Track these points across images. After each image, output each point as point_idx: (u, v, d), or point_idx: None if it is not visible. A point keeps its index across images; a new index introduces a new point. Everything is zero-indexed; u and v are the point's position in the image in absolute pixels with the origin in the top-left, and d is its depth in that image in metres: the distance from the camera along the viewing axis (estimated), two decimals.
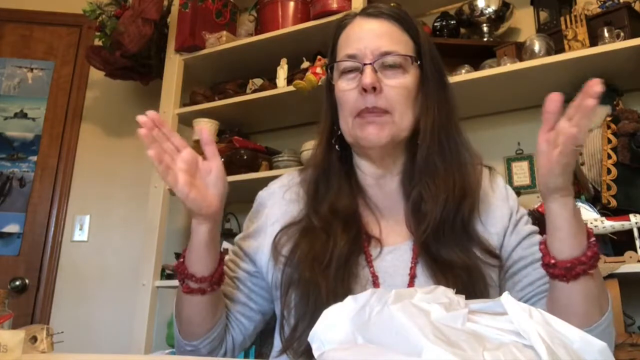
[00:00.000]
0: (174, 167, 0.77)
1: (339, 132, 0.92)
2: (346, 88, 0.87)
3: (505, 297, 0.48)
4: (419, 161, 0.87)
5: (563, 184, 0.71)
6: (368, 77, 0.83)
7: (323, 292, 0.78)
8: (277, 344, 0.87)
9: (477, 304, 0.50)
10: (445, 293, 0.52)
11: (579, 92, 0.66)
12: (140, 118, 0.78)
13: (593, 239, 0.75)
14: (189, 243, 0.84)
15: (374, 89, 0.83)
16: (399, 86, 0.85)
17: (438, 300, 0.50)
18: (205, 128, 0.84)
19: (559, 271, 0.73)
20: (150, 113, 0.78)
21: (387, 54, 0.85)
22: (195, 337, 0.88)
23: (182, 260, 0.85)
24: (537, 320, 0.45)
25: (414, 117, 0.87)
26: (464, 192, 0.84)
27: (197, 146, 2.33)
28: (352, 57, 0.87)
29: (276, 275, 0.88)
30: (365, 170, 0.92)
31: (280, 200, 0.96)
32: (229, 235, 2.03)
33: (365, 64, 0.85)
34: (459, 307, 0.49)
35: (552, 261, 0.73)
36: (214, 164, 0.82)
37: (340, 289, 0.78)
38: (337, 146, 0.92)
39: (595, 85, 0.64)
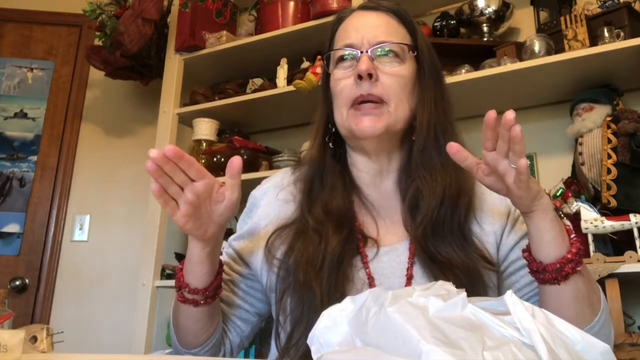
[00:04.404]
0: (179, 198, 0.72)
1: (333, 129, 0.91)
2: (342, 77, 0.87)
3: (509, 295, 0.48)
4: (415, 154, 0.86)
5: (536, 189, 0.71)
6: (364, 63, 0.83)
7: (317, 296, 0.77)
8: (274, 350, 0.86)
9: (479, 302, 0.50)
10: (444, 286, 0.52)
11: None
12: (151, 152, 0.68)
13: (573, 235, 0.75)
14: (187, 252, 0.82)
15: (370, 76, 0.83)
16: (395, 74, 0.85)
17: (436, 293, 0.49)
18: (238, 162, 0.76)
19: (550, 275, 0.72)
20: (168, 148, 0.68)
21: (383, 42, 0.86)
22: (192, 347, 0.87)
23: (181, 266, 0.83)
24: (540, 320, 0.45)
25: (409, 109, 0.87)
26: (460, 188, 0.84)
27: (196, 145, 2.31)
28: (349, 46, 0.87)
29: (271, 278, 0.87)
30: (360, 167, 0.91)
31: (274, 201, 0.95)
32: (228, 235, 2.03)
33: (361, 52, 0.85)
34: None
35: (541, 266, 0.73)
36: (228, 196, 0.74)
37: (334, 292, 0.77)
38: (330, 144, 0.92)
39: (509, 115, 0.65)
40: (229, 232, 2.01)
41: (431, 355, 0.40)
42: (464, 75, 1.72)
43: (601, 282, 1.35)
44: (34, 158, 2.52)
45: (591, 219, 1.40)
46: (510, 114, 0.65)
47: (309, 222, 0.86)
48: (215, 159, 2.03)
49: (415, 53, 0.89)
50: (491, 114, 0.67)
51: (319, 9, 1.93)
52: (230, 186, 0.74)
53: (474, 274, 0.79)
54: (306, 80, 1.81)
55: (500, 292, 0.85)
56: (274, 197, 0.95)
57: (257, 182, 1.04)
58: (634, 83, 1.68)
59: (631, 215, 1.38)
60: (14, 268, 2.39)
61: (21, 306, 2.31)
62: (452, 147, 0.73)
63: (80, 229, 2.47)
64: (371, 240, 0.86)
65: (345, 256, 0.82)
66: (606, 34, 1.54)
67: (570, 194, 1.50)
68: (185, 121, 2.21)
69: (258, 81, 2.12)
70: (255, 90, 2.08)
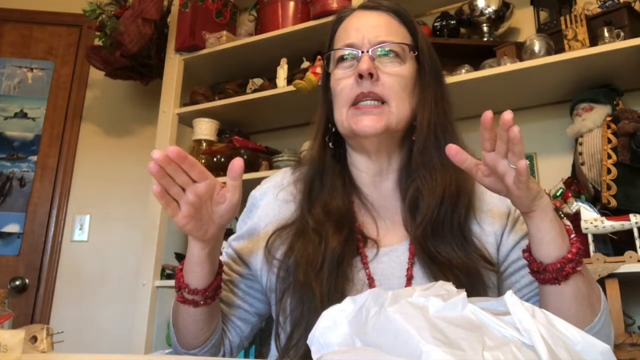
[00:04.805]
0: (180, 199, 0.72)
1: (333, 129, 0.91)
2: (342, 77, 0.87)
3: (509, 295, 0.48)
4: (415, 154, 0.86)
5: (536, 189, 0.71)
6: (364, 63, 0.83)
7: (317, 296, 0.77)
8: (274, 350, 0.86)
9: (479, 302, 0.50)
10: (444, 286, 0.52)
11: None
12: (154, 154, 0.67)
13: (573, 235, 0.75)
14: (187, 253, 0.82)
15: (371, 75, 0.83)
16: (395, 74, 0.85)
17: (436, 293, 0.49)
18: (239, 164, 0.76)
19: (550, 275, 0.72)
20: (171, 149, 0.68)
21: (384, 42, 0.86)
22: (192, 347, 0.87)
23: (180, 267, 0.83)
24: (540, 321, 0.45)
25: (410, 109, 0.87)
26: (460, 188, 0.84)
27: (196, 145, 2.31)
28: (349, 46, 0.87)
29: (271, 278, 0.87)
30: (360, 167, 0.91)
31: (273, 201, 0.95)
32: (228, 235, 2.03)
33: (362, 52, 0.85)
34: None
35: (542, 266, 0.73)
36: (229, 197, 0.74)
37: (334, 293, 0.77)
38: (330, 144, 0.92)
39: (507, 115, 0.65)
40: (229, 232, 2.02)
41: (431, 355, 0.40)
42: (464, 75, 1.72)
43: (601, 282, 1.35)
44: (34, 158, 2.52)
45: (591, 219, 1.40)
46: (507, 115, 0.65)
47: (309, 223, 0.86)
48: (215, 159, 2.03)
49: (416, 53, 0.89)
50: (487, 114, 0.67)
51: (319, 9, 1.93)
52: (231, 188, 0.74)
53: (473, 274, 0.79)
54: (306, 80, 1.81)
55: (500, 293, 0.84)
56: (274, 198, 0.95)
57: (257, 182, 1.04)
58: (634, 83, 1.68)
59: (631, 215, 1.38)
60: (14, 268, 2.38)
61: (21, 306, 2.31)
62: (451, 149, 0.73)
63: (80, 229, 2.47)
64: (371, 240, 0.86)
65: (345, 257, 0.82)
66: (606, 34, 1.54)
67: (570, 194, 1.50)
68: (185, 121, 2.21)
69: (258, 81, 2.12)
70: (255, 90, 2.08)
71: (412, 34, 0.90)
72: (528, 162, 0.67)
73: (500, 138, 0.67)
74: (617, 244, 1.43)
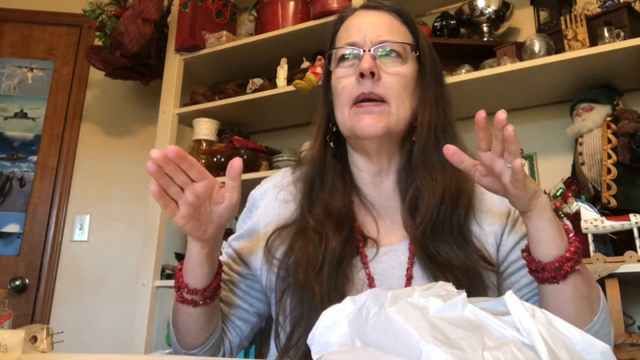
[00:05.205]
0: (179, 199, 0.72)
1: (334, 128, 0.91)
2: (343, 75, 0.87)
3: (509, 296, 0.48)
4: (416, 154, 0.86)
5: (533, 188, 0.71)
6: (366, 62, 0.83)
7: (317, 296, 0.77)
8: (273, 350, 0.86)
9: (479, 302, 0.50)
10: (444, 286, 0.52)
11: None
12: (153, 153, 0.67)
13: (572, 234, 0.75)
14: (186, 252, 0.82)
15: (372, 75, 0.83)
16: (397, 74, 0.85)
17: (436, 294, 0.49)
18: (238, 164, 0.75)
19: (549, 274, 0.72)
20: (170, 149, 0.68)
21: (385, 42, 0.86)
22: (192, 347, 0.87)
23: (180, 267, 0.83)
24: (540, 321, 0.45)
25: (411, 109, 0.87)
26: (460, 188, 0.84)
27: (196, 145, 2.30)
28: (351, 45, 0.87)
29: (270, 278, 0.87)
30: (361, 166, 0.91)
31: (273, 201, 0.95)
32: (228, 235, 2.03)
33: (364, 51, 0.85)
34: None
35: (540, 266, 0.73)
36: (228, 197, 0.74)
37: (334, 293, 0.77)
38: (331, 143, 0.92)
39: (501, 114, 0.65)
40: (229, 232, 2.02)
41: (431, 355, 0.40)
42: (464, 75, 1.72)
43: (601, 282, 1.35)
44: (34, 158, 2.52)
45: (591, 219, 1.40)
46: (501, 114, 0.65)
47: (309, 222, 0.86)
48: (215, 159, 2.03)
49: (417, 53, 0.89)
50: (480, 114, 0.68)
51: (319, 9, 1.93)
52: (230, 188, 0.74)
53: (473, 275, 0.79)
54: (306, 80, 1.81)
55: (500, 293, 0.84)
56: (274, 197, 0.95)
57: (257, 182, 1.04)
58: (634, 83, 1.68)
59: (631, 215, 1.38)
60: (14, 268, 2.39)
61: (21, 306, 2.31)
62: (449, 150, 0.73)
63: (80, 229, 2.47)
64: (371, 240, 0.86)
65: (345, 256, 0.82)
66: (606, 34, 1.54)
67: (570, 194, 1.50)
68: (185, 121, 2.21)
69: (258, 81, 2.12)
70: (255, 90, 2.08)
71: (413, 34, 0.90)
72: (524, 161, 0.67)
73: (495, 137, 0.67)
74: (617, 244, 1.43)
